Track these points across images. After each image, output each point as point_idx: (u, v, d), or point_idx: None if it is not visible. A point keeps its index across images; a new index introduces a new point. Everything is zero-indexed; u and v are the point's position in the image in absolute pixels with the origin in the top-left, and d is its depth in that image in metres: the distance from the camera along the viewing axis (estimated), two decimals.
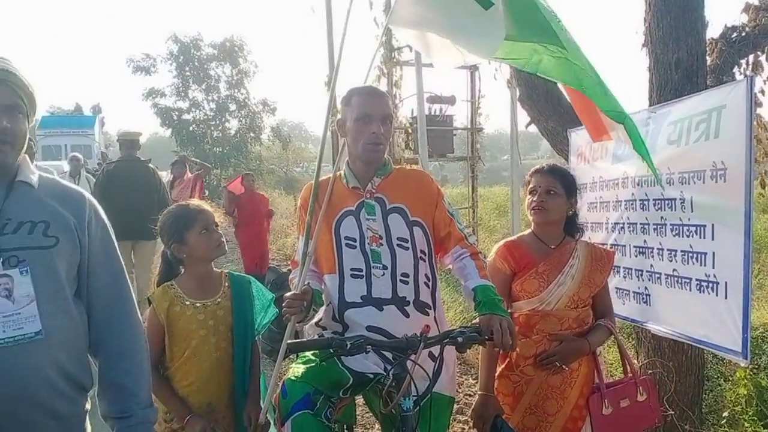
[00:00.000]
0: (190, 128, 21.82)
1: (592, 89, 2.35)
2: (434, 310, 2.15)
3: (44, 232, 1.50)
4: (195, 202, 2.34)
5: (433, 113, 9.36)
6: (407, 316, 2.04)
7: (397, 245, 2.09)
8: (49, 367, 1.47)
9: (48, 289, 1.49)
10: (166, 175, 9.23)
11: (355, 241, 2.10)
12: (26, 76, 1.54)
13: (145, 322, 2.17)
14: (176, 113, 21.87)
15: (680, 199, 2.76)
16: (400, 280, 2.06)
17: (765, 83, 5.06)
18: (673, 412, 3.16)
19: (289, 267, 2.55)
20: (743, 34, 4.36)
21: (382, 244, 2.09)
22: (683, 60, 3.07)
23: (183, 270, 2.29)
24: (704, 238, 2.64)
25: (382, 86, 9.11)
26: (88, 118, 27.20)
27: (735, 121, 2.46)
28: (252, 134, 22.88)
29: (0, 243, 1.44)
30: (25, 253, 1.46)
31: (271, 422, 2.23)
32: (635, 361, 3.55)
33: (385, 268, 2.06)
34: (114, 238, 1.70)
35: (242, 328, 2.23)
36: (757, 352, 5.16)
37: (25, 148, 1.56)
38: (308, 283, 2.09)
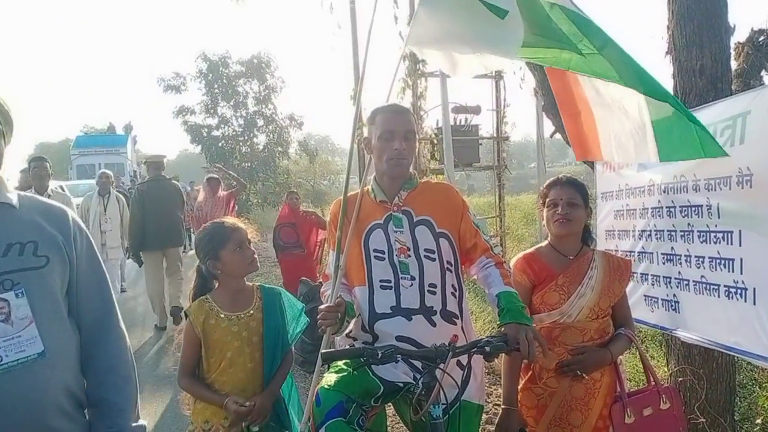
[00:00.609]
0: (219, 144, 22.15)
1: (630, 79, 2.38)
2: (461, 320, 2.19)
3: (34, 252, 1.48)
4: (230, 220, 2.42)
5: (458, 123, 9.40)
6: (434, 325, 2.09)
7: (425, 256, 2.15)
8: (54, 388, 1.46)
9: (45, 308, 1.47)
10: (200, 190, 9.28)
11: (383, 253, 2.17)
12: (3, 100, 1.52)
13: (180, 333, 2.27)
14: (205, 130, 22.24)
15: (707, 205, 2.76)
16: (428, 291, 2.12)
17: None
18: (704, 420, 3.14)
19: (320, 280, 2.64)
20: None
21: (410, 256, 2.15)
22: (707, 66, 3.07)
23: (217, 284, 2.38)
24: (731, 244, 2.64)
25: (407, 98, 9.20)
26: (120, 137, 27.93)
27: (760, 126, 2.46)
28: (280, 149, 23.13)
29: None
30: (19, 275, 1.44)
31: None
32: (666, 369, 3.53)
33: (413, 279, 2.12)
34: (99, 256, 1.70)
35: (273, 338, 2.31)
36: None
37: (2, 168, 1.53)
38: (340, 295, 2.16)
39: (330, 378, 2.11)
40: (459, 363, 2.03)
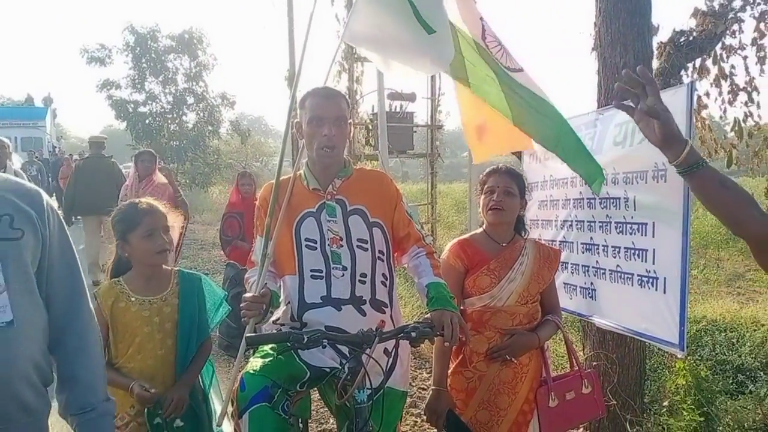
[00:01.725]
0: (146, 121, 21.27)
1: (531, 125, 2.73)
2: (390, 308, 2.20)
3: (10, 224, 1.48)
4: (146, 201, 2.30)
5: (393, 110, 9.41)
6: (364, 315, 2.09)
7: (357, 246, 2.14)
8: (22, 358, 1.46)
9: (18, 280, 1.47)
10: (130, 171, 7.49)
11: (315, 242, 2.14)
12: None
13: None
14: (131, 105, 21.28)
15: (624, 198, 2.88)
16: (359, 281, 2.12)
17: (711, 86, 5.32)
18: (615, 402, 3.30)
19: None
20: (691, 38, 4.55)
21: (342, 246, 2.13)
22: (630, 64, 3.19)
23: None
24: (646, 235, 2.77)
25: (343, 82, 9.13)
26: (39, 110, 26.43)
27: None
28: (210, 128, 22.45)
29: None
30: None
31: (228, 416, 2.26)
32: (581, 354, 3.68)
33: (344, 269, 2.11)
34: (69, 235, 1.68)
35: (187, 325, 2.24)
36: (699, 344, 5.42)
37: None
38: (266, 284, 2.11)
39: (255, 363, 2.09)
40: (385, 350, 2.03)
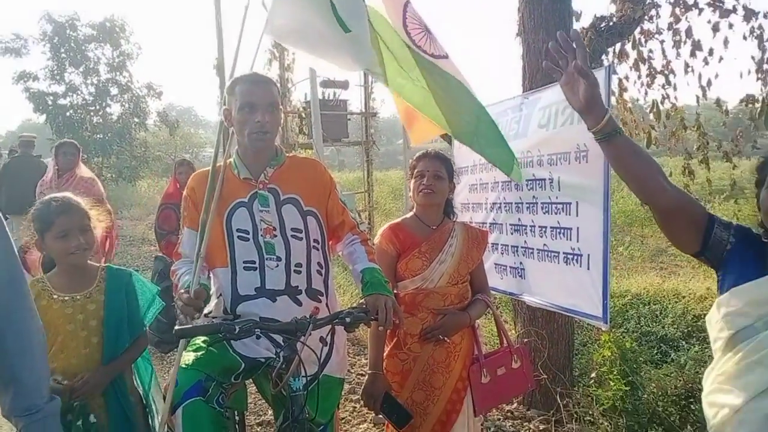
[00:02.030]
0: (67, 114, 20.27)
1: (443, 118, 2.79)
2: (326, 297, 2.19)
3: None
4: (63, 198, 2.18)
5: (326, 98, 9.34)
6: (300, 304, 2.06)
7: (291, 236, 2.10)
8: None
9: None
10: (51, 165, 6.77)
11: (247, 233, 2.09)
12: None
13: None
14: (51, 98, 20.26)
15: (549, 179, 2.97)
16: (294, 271, 2.08)
17: (630, 70, 5.53)
18: (546, 376, 3.42)
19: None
20: (611, 23, 4.70)
21: (275, 236, 2.08)
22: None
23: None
24: (570, 214, 2.86)
25: (274, 70, 8.97)
26: None
27: None
28: (136, 120, 21.64)
29: None
30: None
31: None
32: (513, 332, 3.79)
33: (279, 259, 2.07)
34: (9, 234, 1.62)
35: (114, 323, 2.16)
36: (625, 317, 5.68)
37: None
38: (200, 284, 2.02)
39: (188, 357, 2.03)
40: (322, 339, 2.03)
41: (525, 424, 3.46)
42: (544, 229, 3.04)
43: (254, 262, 2.06)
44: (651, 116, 5.65)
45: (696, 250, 1.62)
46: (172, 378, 2.02)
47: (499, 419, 3.55)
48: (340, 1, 2.42)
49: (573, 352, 3.72)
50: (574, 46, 1.61)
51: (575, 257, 2.84)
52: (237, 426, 2.21)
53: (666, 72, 5.48)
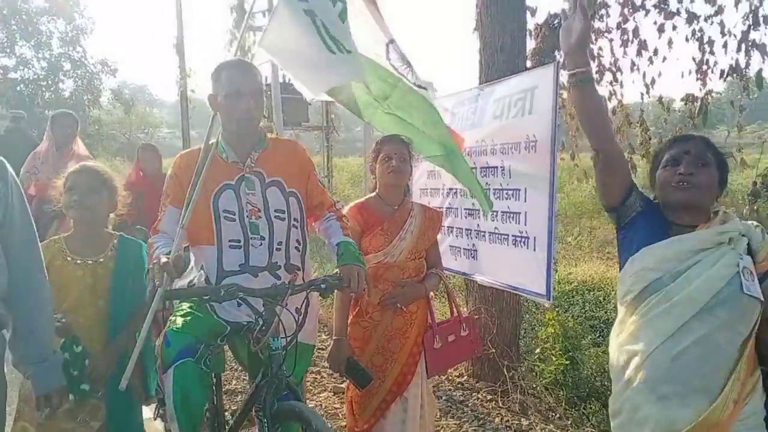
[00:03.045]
0: (18, 88, 19.70)
1: (418, 142, 2.97)
2: (303, 271, 2.32)
3: None
4: (81, 164, 2.39)
5: (287, 81, 9.34)
6: (279, 279, 2.18)
7: (275, 217, 2.22)
8: None
9: None
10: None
11: (234, 214, 2.18)
12: None
13: None
14: (0, 72, 19.64)
15: (501, 167, 3.18)
16: (276, 249, 2.21)
17: None
18: (494, 350, 3.67)
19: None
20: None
21: (260, 217, 2.19)
22: (507, 44, 3.49)
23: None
24: (519, 200, 3.08)
25: (233, 51, 8.93)
26: None
27: (544, 99, 2.88)
28: (89, 96, 21.15)
29: None
30: None
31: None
32: (465, 309, 4.03)
33: (262, 239, 2.19)
34: (27, 204, 1.85)
35: (120, 290, 2.30)
36: (571, 302, 6.01)
37: None
38: (180, 252, 2.12)
39: (177, 321, 2.15)
40: (297, 309, 2.16)
41: (474, 394, 3.71)
42: (495, 214, 3.26)
43: (239, 241, 2.17)
44: None
45: (615, 204, 1.90)
46: (140, 341, 2.13)
47: (449, 389, 3.79)
48: (326, 25, 2.54)
49: (520, 329, 3.98)
50: None
51: (523, 240, 3.06)
52: (214, 388, 2.36)
53: (614, 69, 5.79)
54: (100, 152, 21.26)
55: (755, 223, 1.81)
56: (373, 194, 2.78)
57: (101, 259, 2.32)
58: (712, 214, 1.81)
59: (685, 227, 1.78)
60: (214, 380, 2.35)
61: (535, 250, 2.99)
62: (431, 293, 2.81)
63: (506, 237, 3.19)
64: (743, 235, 1.75)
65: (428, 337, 2.68)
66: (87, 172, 2.33)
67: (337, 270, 2.14)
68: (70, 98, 20.81)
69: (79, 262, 2.28)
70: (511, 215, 3.14)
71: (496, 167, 3.23)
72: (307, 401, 3.61)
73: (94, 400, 2.23)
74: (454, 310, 2.89)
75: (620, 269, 1.87)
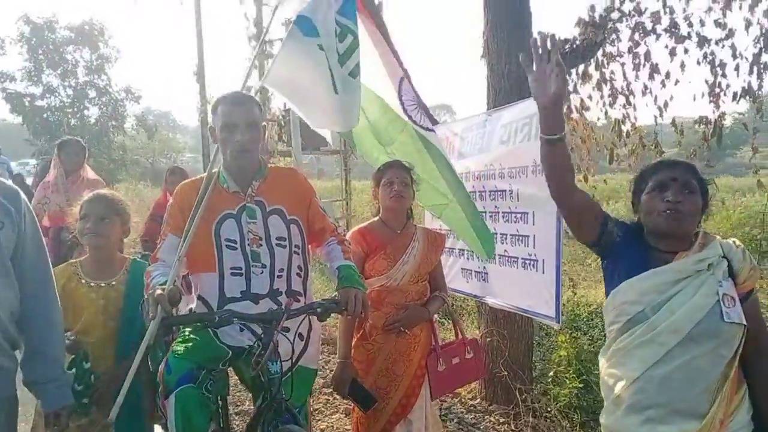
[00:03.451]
0: (44, 115, 20.26)
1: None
2: (305, 297, 2.36)
3: None
4: (95, 192, 2.50)
5: None
6: (280, 305, 2.19)
7: (276, 245, 2.26)
8: None
9: None
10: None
11: (235, 242, 2.23)
12: None
13: None
14: (28, 99, 20.22)
15: (509, 190, 3.24)
16: (277, 276, 2.25)
17: (593, 90, 5.84)
18: (506, 373, 3.68)
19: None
20: (574, 46, 5.01)
21: (261, 245, 2.24)
22: (513, 71, 3.56)
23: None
24: (527, 223, 3.13)
25: (254, 78, 9.13)
26: None
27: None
28: (114, 123, 21.66)
29: None
30: None
31: None
32: (477, 332, 4.05)
33: (264, 266, 2.23)
34: (38, 227, 1.96)
35: (131, 312, 2.37)
36: (590, 324, 5.97)
37: None
38: (175, 283, 2.14)
39: (179, 347, 2.21)
40: (299, 334, 2.22)
41: (486, 417, 3.70)
42: (504, 237, 3.31)
43: (241, 269, 2.22)
44: (611, 135, 5.99)
45: (593, 239, 1.93)
46: (135, 364, 2.13)
47: (462, 412, 3.79)
48: (337, 65, 2.61)
49: (533, 351, 3.98)
50: (550, 47, 1.81)
51: (532, 262, 3.11)
52: (219, 410, 2.39)
53: (626, 93, 5.83)
54: (125, 177, 21.70)
55: (736, 241, 1.83)
56: (377, 219, 2.84)
57: (113, 282, 2.41)
58: (693, 237, 1.83)
59: (665, 253, 1.80)
60: (220, 403, 2.40)
61: (543, 272, 3.03)
62: (435, 316, 2.84)
63: (515, 260, 3.23)
64: (724, 257, 1.77)
65: (432, 360, 2.72)
66: (100, 200, 2.43)
67: (336, 294, 2.17)
68: (95, 125, 21.33)
69: (92, 284, 2.38)
70: (520, 238, 3.19)
71: (504, 191, 3.28)
72: (320, 422, 3.67)
73: (102, 419, 2.30)
74: (459, 332, 2.93)
75: (606, 299, 1.91)
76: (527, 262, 3.14)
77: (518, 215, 3.19)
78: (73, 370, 2.20)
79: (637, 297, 1.78)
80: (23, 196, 1.91)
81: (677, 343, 1.68)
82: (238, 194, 2.28)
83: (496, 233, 3.36)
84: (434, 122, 3.29)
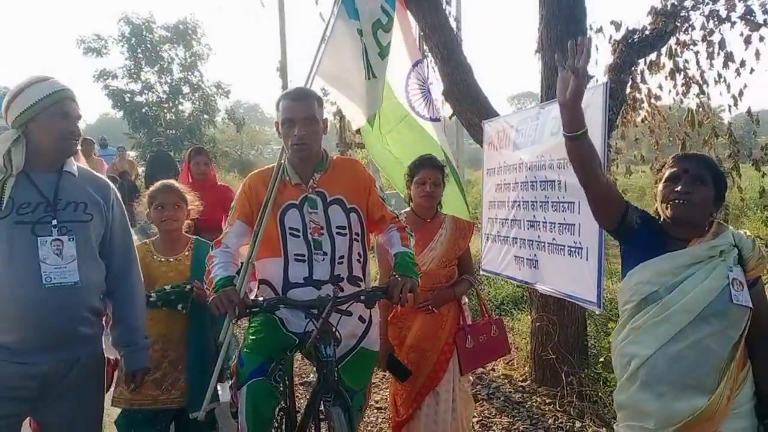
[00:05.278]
0: (143, 110, 21.66)
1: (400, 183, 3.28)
2: (365, 282, 2.51)
3: (84, 210, 2.07)
4: (163, 183, 2.91)
5: None
6: (342, 290, 2.30)
7: (337, 233, 2.39)
8: (82, 306, 2.05)
9: (86, 251, 2.06)
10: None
11: (298, 231, 2.37)
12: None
13: None
14: (128, 95, 21.67)
15: (558, 180, 3.37)
16: (338, 263, 2.38)
17: (666, 79, 5.76)
18: (554, 356, 3.81)
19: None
20: (644, 35, 4.99)
21: (323, 234, 2.37)
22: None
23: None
24: (573, 212, 3.25)
25: (312, 75, 9.47)
26: None
27: (595, 117, 3.04)
28: (206, 117, 22.85)
29: (57, 216, 2.00)
30: (72, 225, 2.03)
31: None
32: (528, 317, 4.19)
33: (325, 254, 2.36)
34: (126, 215, 2.28)
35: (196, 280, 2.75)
36: None
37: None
38: (247, 291, 2.43)
39: (249, 340, 2.41)
40: (360, 317, 2.42)
41: (532, 396, 3.87)
42: (553, 225, 3.44)
43: (303, 256, 2.37)
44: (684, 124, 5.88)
45: (614, 227, 2.08)
46: (217, 369, 2.53)
47: (510, 391, 3.98)
48: (374, 46, 2.79)
49: (584, 337, 4.08)
50: (584, 50, 1.92)
51: (577, 250, 3.23)
52: (286, 389, 2.59)
53: (700, 82, 5.71)
54: (216, 168, 22.81)
55: (747, 232, 1.95)
56: (408, 209, 3.09)
57: (180, 258, 2.82)
58: (707, 226, 1.95)
59: (680, 240, 1.94)
60: (287, 382, 2.59)
61: (587, 260, 3.15)
62: (464, 297, 3.07)
63: (562, 247, 3.36)
64: (735, 246, 1.90)
65: (461, 337, 2.94)
66: (172, 190, 2.84)
67: (388, 280, 2.33)
68: (189, 118, 22.54)
69: (163, 260, 2.80)
70: (567, 227, 3.32)
71: (553, 181, 3.41)
72: (375, 395, 3.94)
73: (175, 373, 2.71)
74: (485, 312, 3.14)
75: (622, 280, 2.05)
76: (573, 249, 3.26)
77: (565, 204, 3.32)
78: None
79: (651, 277, 1.91)
80: (113, 186, 2.24)
81: (689, 322, 1.82)
82: (300, 185, 2.41)
83: (546, 222, 3.50)
84: (436, 113, 3.44)
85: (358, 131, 10.28)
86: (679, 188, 1.91)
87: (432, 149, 3.32)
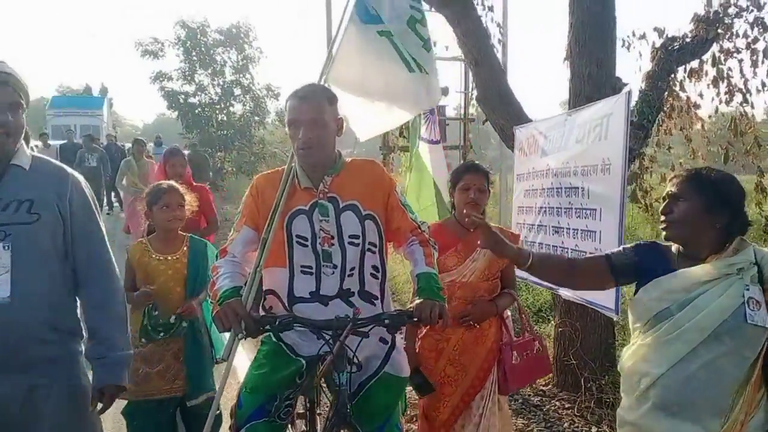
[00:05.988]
0: (196, 111, 22.25)
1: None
2: (381, 301, 2.22)
3: (28, 209, 1.74)
4: (167, 183, 3.06)
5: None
6: (353, 306, 2.06)
7: (348, 243, 2.14)
8: (29, 323, 1.74)
9: (30, 258, 1.73)
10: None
11: (306, 240, 2.13)
12: (22, 76, 1.79)
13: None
14: (182, 96, 22.26)
15: (581, 187, 3.40)
16: (348, 275, 2.13)
17: (708, 87, 5.68)
18: (575, 362, 3.83)
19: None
20: (684, 42, 4.95)
21: (333, 244, 2.12)
22: (593, 74, 3.70)
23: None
24: (595, 219, 3.29)
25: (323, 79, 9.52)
26: (97, 99, 27.92)
27: (617, 125, 3.09)
28: (256, 118, 23.33)
29: None
30: (11, 228, 1.71)
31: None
32: (552, 322, 4.21)
33: (335, 267, 2.12)
34: (96, 208, 1.97)
35: (192, 278, 2.95)
36: None
37: (22, 137, 1.83)
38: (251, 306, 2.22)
39: (249, 377, 2.20)
40: (381, 338, 2.17)
41: (552, 401, 3.90)
42: (576, 231, 3.48)
43: (311, 268, 2.12)
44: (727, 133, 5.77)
45: (613, 285, 2.14)
46: (223, 381, 2.43)
47: (529, 395, 4.01)
48: (407, 44, 2.80)
49: (610, 344, 4.07)
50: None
51: None
52: (308, 412, 2.43)
53: (743, 90, 5.59)
54: (265, 168, 23.29)
55: None
56: (450, 217, 3.01)
57: (177, 256, 2.97)
58: (727, 244, 1.85)
59: (691, 259, 1.90)
60: (308, 405, 2.43)
61: None
62: (507, 311, 2.94)
63: (584, 254, 3.38)
64: (756, 264, 1.80)
65: (507, 353, 2.79)
66: (176, 192, 2.98)
67: (412, 305, 2.09)
68: (240, 120, 23.04)
69: (160, 258, 2.94)
70: (589, 233, 3.35)
71: (578, 188, 3.45)
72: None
73: (177, 364, 2.88)
74: (527, 329, 2.99)
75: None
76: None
77: (588, 212, 3.35)
78: (144, 320, 2.80)
79: (663, 294, 1.85)
80: (71, 175, 1.90)
81: (701, 341, 1.75)
82: (310, 190, 2.18)
83: (569, 228, 3.54)
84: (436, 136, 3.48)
85: (401, 134, 10.38)
86: (661, 211, 1.93)
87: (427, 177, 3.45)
